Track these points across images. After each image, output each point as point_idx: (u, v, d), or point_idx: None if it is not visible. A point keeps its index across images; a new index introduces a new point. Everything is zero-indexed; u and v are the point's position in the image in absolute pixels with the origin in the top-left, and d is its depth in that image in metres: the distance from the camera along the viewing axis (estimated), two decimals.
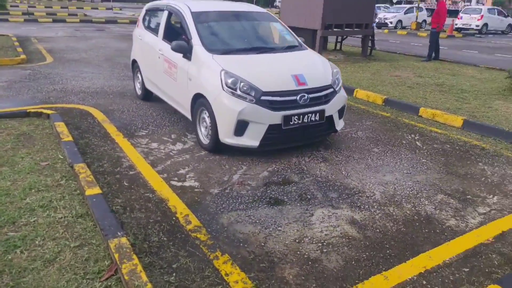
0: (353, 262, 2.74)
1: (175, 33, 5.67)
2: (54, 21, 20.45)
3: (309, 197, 3.61)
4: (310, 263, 2.72)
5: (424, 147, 4.94)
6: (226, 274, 2.56)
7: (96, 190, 3.37)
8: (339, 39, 13.31)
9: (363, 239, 3.01)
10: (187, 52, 4.67)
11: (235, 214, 3.29)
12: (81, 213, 3.12)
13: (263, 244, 2.91)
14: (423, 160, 4.53)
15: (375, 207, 3.48)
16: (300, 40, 5.41)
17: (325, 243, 2.94)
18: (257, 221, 3.20)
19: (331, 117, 4.46)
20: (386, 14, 27.00)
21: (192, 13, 5.02)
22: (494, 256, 2.85)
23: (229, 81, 4.09)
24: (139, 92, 6.68)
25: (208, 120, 4.36)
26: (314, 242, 2.95)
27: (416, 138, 5.27)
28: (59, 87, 7.25)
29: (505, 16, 25.48)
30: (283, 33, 5.56)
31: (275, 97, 4.10)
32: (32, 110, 5.49)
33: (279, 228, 3.11)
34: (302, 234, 3.04)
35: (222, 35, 5.12)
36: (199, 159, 4.36)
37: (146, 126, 5.35)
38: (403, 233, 3.12)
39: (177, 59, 4.88)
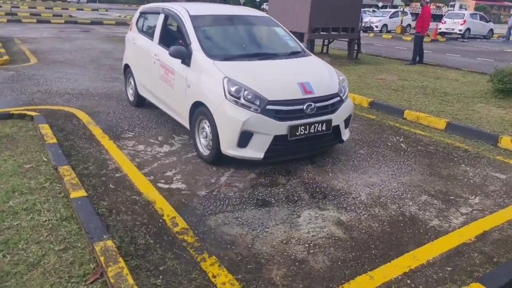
0: (339, 263, 2.77)
1: (172, 38, 5.46)
2: (39, 21, 20.15)
3: (296, 198, 3.64)
4: (297, 264, 2.74)
5: (409, 149, 5.02)
6: (214, 276, 2.56)
7: (81, 192, 3.33)
8: (326, 42, 13.44)
9: (349, 240, 3.05)
10: (186, 58, 4.44)
11: (222, 216, 3.29)
12: (66, 216, 3.08)
13: (250, 245, 2.92)
14: (408, 162, 4.60)
15: (361, 208, 3.53)
16: (303, 46, 5.23)
17: (312, 244, 2.97)
18: (245, 223, 3.20)
19: (337, 127, 4.25)
20: (371, 18, 27.38)
21: (190, 16, 4.79)
22: (476, 255, 2.92)
23: (233, 89, 3.86)
24: (131, 98, 6.38)
25: (208, 130, 4.13)
26: (301, 243, 2.98)
27: (401, 140, 5.36)
28: (43, 88, 7.14)
29: (487, 21, 26.09)
30: (285, 39, 5.36)
31: (281, 106, 3.87)
32: (16, 112, 5.40)
33: (266, 230, 3.12)
34: (289, 235, 3.06)
35: (222, 40, 4.92)
36: (186, 161, 4.34)
37: (132, 128, 5.31)
38: (388, 233, 3.16)
39: (175, 65, 4.65)
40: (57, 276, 2.44)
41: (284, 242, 2.98)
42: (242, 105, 3.82)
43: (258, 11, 5.80)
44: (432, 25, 22.36)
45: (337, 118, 4.21)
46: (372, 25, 26.77)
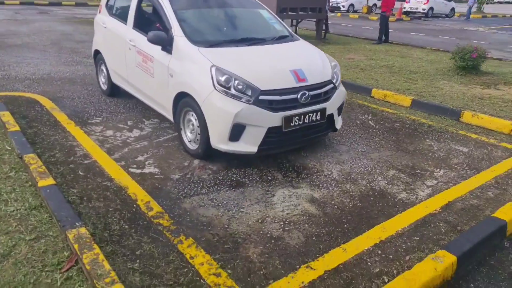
0: (314, 238, 2.85)
1: (148, 22, 5.05)
2: None
3: (269, 178, 3.68)
4: (273, 241, 2.80)
5: (377, 127, 5.16)
6: (191, 257, 2.58)
7: (50, 181, 3.23)
8: (294, 22, 13.41)
9: (322, 216, 3.13)
10: (166, 45, 4.07)
11: (197, 199, 3.29)
12: (35, 205, 2.99)
13: (226, 226, 2.95)
14: (376, 139, 4.74)
15: (333, 185, 3.62)
16: (290, 30, 4.94)
17: (286, 222, 3.03)
18: (220, 204, 3.22)
19: (331, 115, 4.05)
20: None
21: None
22: (441, 224, 3.08)
23: (222, 79, 3.56)
24: (104, 87, 5.92)
25: (195, 123, 3.86)
26: (276, 221, 3.03)
27: (369, 118, 5.49)
28: (1, 74, 6.79)
29: (449, 1, 26.78)
30: (271, 22, 5.00)
31: (275, 96, 3.62)
32: None
33: (242, 210, 3.16)
34: (265, 214, 3.11)
35: (206, 24, 4.57)
36: (158, 145, 4.28)
37: (99, 113, 5.16)
38: (359, 207, 3.27)
39: (154, 52, 4.26)
40: (30, 266, 2.39)
41: (260, 221, 3.03)
42: (233, 96, 3.54)
43: None
44: (397, 4, 22.73)
45: (331, 106, 4.01)
46: (339, 5, 26.88)
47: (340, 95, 4.16)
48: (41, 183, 3.18)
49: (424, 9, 24.89)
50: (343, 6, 26.92)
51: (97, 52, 5.87)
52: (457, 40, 13.31)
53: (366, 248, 2.75)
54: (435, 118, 5.56)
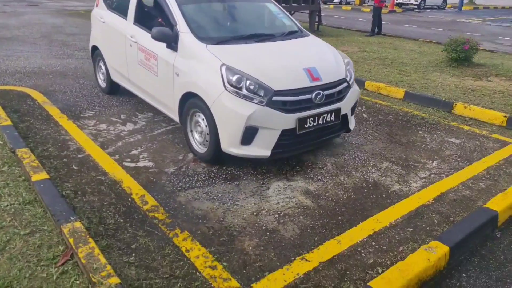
0: (309, 230, 2.88)
1: (150, 16, 4.78)
2: None
3: (264, 171, 3.69)
4: (268, 233, 2.82)
5: (370, 119, 5.19)
6: (187, 250, 2.59)
7: (43, 175, 3.21)
8: None
9: (317, 208, 3.16)
10: (171, 42, 3.84)
11: (192, 192, 3.30)
12: (29, 199, 2.98)
13: (222, 219, 2.96)
14: (370, 131, 4.76)
15: (327, 177, 3.64)
16: (299, 25, 4.72)
17: (281, 214, 3.05)
18: (215, 197, 3.23)
19: (345, 115, 3.88)
20: None
21: None
22: (434, 215, 3.12)
23: (233, 78, 3.35)
24: (103, 84, 5.69)
25: (204, 124, 3.65)
26: (271, 213, 3.05)
27: (362, 110, 5.51)
28: None
29: None
30: (279, 16, 4.75)
31: (288, 97, 3.42)
32: None
33: (237, 203, 3.17)
34: (260, 207, 3.13)
35: (213, 19, 4.37)
36: (152, 139, 4.27)
37: (92, 107, 5.12)
38: (353, 199, 3.30)
39: (158, 49, 4.02)
40: (25, 260, 2.38)
41: (255, 213, 3.04)
42: (244, 97, 3.34)
43: None
44: None
45: (345, 106, 3.83)
46: None
47: (354, 93, 3.98)
48: (35, 177, 3.16)
49: (416, 1, 24.90)
50: None
51: (94, 48, 5.61)
52: (449, 32, 13.36)
53: (360, 240, 2.79)
54: (427, 110, 5.60)
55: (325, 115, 3.63)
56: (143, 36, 4.32)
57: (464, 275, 2.55)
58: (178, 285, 2.30)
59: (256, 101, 3.34)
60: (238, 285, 2.32)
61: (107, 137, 4.25)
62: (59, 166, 3.59)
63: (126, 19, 4.75)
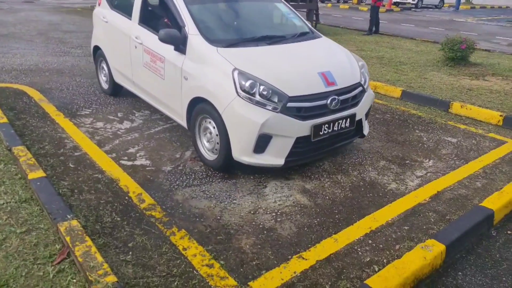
0: (306, 228, 2.88)
1: (156, 16, 4.59)
2: None
3: (261, 169, 3.69)
4: (265, 232, 2.82)
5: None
6: (184, 249, 2.59)
7: (40, 173, 3.20)
8: None
9: (314, 206, 3.16)
10: (180, 44, 3.68)
11: (189, 190, 3.29)
12: (25, 198, 2.97)
13: (219, 217, 2.96)
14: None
15: (324, 176, 3.65)
16: (310, 25, 4.55)
17: (279, 213, 3.06)
18: (212, 196, 3.23)
19: (360, 120, 3.75)
20: None
21: None
22: (430, 214, 3.13)
23: (246, 84, 3.21)
24: (105, 86, 5.53)
25: (214, 131, 3.50)
26: (268, 212, 3.06)
27: None
28: None
29: None
30: (290, 17, 4.59)
31: (303, 103, 3.29)
32: None
33: (234, 201, 3.17)
34: (257, 206, 3.13)
35: (222, 20, 4.20)
36: (149, 137, 4.26)
37: (89, 105, 5.10)
38: (350, 198, 3.31)
39: (165, 52, 3.86)
40: (21, 259, 2.37)
41: (252, 212, 3.05)
42: (257, 103, 3.20)
43: None
44: None
45: (360, 111, 3.70)
46: None
47: (368, 98, 3.84)
48: (31, 175, 3.15)
49: (414, 0, 24.97)
50: None
51: (96, 48, 5.44)
52: (446, 31, 13.39)
53: (357, 238, 2.79)
54: (424, 109, 5.61)
55: (340, 121, 3.51)
56: (149, 37, 4.18)
57: (460, 273, 2.56)
58: (175, 283, 2.30)
59: (270, 108, 3.20)
60: (235, 284, 2.32)
61: (104, 135, 4.24)
62: (56, 164, 3.58)
63: (130, 19, 4.60)
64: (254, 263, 2.51)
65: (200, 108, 3.59)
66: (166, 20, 4.37)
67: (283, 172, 3.66)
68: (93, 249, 2.38)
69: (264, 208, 3.10)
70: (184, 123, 3.89)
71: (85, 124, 4.50)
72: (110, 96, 5.47)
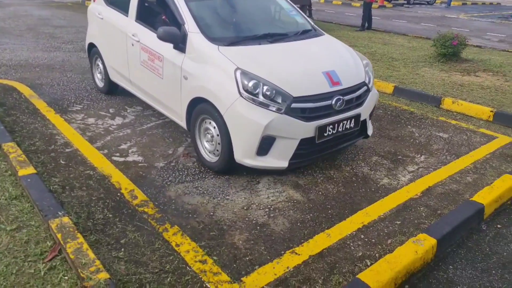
0: (299, 224, 2.89)
1: (153, 13, 4.49)
2: None
3: None
4: (258, 227, 2.82)
5: None
6: (177, 245, 2.58)
7: (30, 170, 3.17)
8: None
9: (307, 202, 3.17)
10: (179, 42, 3.57)
11: (182, 186, 3.28)
12: (15, 194, 2.94)
13: (212, 213, 2.96)
14: None
15: (317, 171, 3.66)
16: (312, 22, 4.43)
17: (272, 208, 3.06)
18: (205, 192, 3.22)
19: (364, 121, 3.67)
20: None
21: None
22: (422, 208, 3.16)
23: (249, 84, 3.11)
24: (100, 84, 5.39)
25: (215, 132, 3.40)
26: (261, 208, 3.06)
27: None
28: None
29: None
30: (292, 14, 4.46)
31: (308, 104, 3.20)
32: None
33: (227, 197, 3.17)
34: (250, 201, 3.13)
35: (223, 18, 4.07)
36: (141, 133, 4.23)
37: (80, 101, 5.05)
38: (343, 193, 3.33)
39: (164, 50, 3.74)
40: (11, 256, 2.35)
41: (245, 208, 3.05)
42: (261, 104, 3.10)
43: None
44: None
45: (365, 111, 3.62)
46: None
47: (373, 97, 3.76)
48: (22, 172, 3.11)
49: None
50: None
51: (91, 46, 5.30)
52: (438, 27, 13.45)
53: (350, 233, 2.81)
54: (416, 105, 5.64)
55: (345, 121, 3.43)
56: (147, 35, 4.07)
57: (451, 266, 2.59)
58: (168, 279, 2.30)
59: (273, 109, 3.11)
60: (228, 279, 2.33)
61: (96, 131, 4.20)
62: (47, 160, 3.54)
63: (127, 16, 4.47)
64: (247, 258, 2.51)
65: (200, 108, 3.49)
66: (164, 17, 4.30)
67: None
68: (85, 246, 2.37)
69: (257, 204, 3.10)
70: (183, 124, 3.79)
71: (76, 120, 4.45)
72: (107, 94, 5.39)
